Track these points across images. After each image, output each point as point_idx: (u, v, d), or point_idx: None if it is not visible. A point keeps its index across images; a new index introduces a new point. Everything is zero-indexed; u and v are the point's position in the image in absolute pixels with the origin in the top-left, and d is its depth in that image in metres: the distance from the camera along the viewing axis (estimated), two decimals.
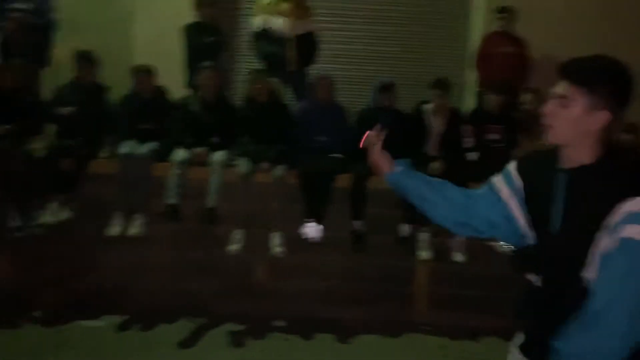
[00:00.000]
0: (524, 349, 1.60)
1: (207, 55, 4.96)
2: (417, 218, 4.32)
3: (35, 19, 5.06)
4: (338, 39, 6.12)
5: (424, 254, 4.29)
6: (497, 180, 1.67)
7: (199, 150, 4.37)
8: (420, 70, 6.04)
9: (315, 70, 5.35)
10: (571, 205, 1.44)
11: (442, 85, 4.61)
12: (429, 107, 4.67)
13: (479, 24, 6.03)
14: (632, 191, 1.33)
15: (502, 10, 5.47)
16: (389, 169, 1.83)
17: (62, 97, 4.56)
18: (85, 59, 4.59)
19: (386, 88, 4.52)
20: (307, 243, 4.23)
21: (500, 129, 4.69)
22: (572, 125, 1.42)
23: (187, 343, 3.77)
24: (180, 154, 4.33)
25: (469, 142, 4.72)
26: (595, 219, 1.36)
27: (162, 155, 4.45)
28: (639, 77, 1.43)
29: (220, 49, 5.34)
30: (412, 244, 4.39)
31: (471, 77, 5.91)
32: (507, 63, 5.40)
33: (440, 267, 4.33)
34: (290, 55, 4.98)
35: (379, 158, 1.84)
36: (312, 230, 4.10)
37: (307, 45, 5.09)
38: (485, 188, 1.70)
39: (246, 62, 6.02)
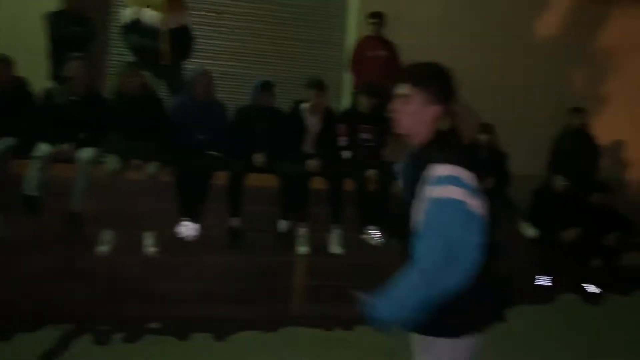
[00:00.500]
0: None
1: (73, 46, 4.68)
2: (295, 214, 4.44)
3: None
4: (215, 34, 6.07)
5: (303, 249, 4.40)
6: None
7: (64, 146, 4.09)
8: (298, 69, 6.17)
9: (190, 65, 5.26)
10: (409, 179, 1.84)
11: (317, 85, 4.75)
12: (305, 106, 4.79)
13: (355, 27, 6.28)
14: (434, 161, 1.71)
15: (373, 15, 5.76)
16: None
17: None
18: None
19: (266, 87, 4.56)
20: (182, 242, 4.14)
21: (371, 129, 4.94)
22: (413, 117, 1.82)
23: (50, 354, 3.51)
24: (42, 148, 4.02)
25: (343, 141, 4.93)
26: (417, 186, 1.75)
27: (21, 151, 4.12)
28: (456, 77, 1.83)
29: (88, 39, 5.05)
30: (290, 240, 4.48)
31: (347, 79, 6.16)
32: (378, 66, 5.69)
33: (318, 261, 4.46)
34: (163, 49, 4.85)
35: None
36: (187, 229, 4.02)
37: (180, 39, 4.98)
38: None
39: (117, 55, 5.75)
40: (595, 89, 7.01)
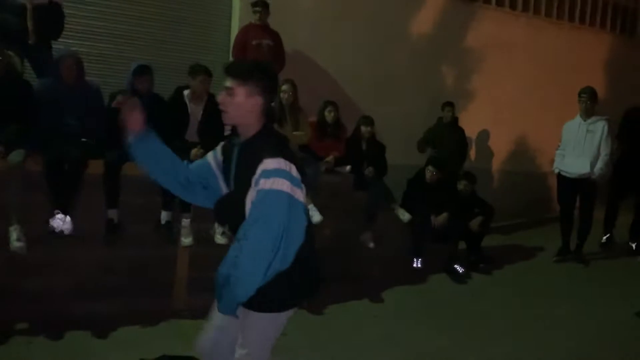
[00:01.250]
0: None
1: None
2: (179, 204, 4.32)
3: None
4: (91, 14, 5.66)
5: (186, 240, 4.31)
6: (209, 155, 2.25)
7: None
8: (181, 54, 5.96)
9: (61, 45, 4.89)
10: (238, 168, 2.02)
11: (201, 71, 4.63)
12: (187, 92, 4.67)
13: (239, 13, 6.21)
14: (265, 155, 1.89)
15: (257, 4, 5.74)
16: (138, 130, 2.12)
17: None
18: None
19: (142, 71, 4.35)
20: (53, 236, 3.87)
21: None
22: (237, 108, 1.97)
23: None
24: None
25: (227, 129, 4.87)
26: (248, 176, 1.92)
27: None
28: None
29: None
30: (173, 231, 4.37)
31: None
32: (262, 54, 5.69)
33: (202, 252, 4.38)
34: (28, 26, 4.46)
35: (133, 116, 2.11)
36: (60, 222, 3.75)
37: (48, 17, 4.61)
38: (200, 160, 2.29)
39: None
40: (464, 85, 7.61)
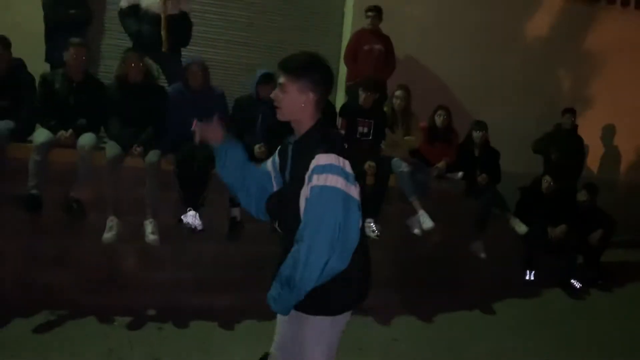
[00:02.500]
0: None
1: (69, 29, 4.61)
2: None
3: None
4: (214, 23, 6.03)
5: None
6: (267, 162, 2.22)
7: (63, 132, 4.04)
8: None
9: (189, 53, 5.23)
10: (293, 166, 1.97)
11: None
12: None
13: (352, 19, 6.31)
14: (317, 150, 1.84)
15: (371, 9, 5.80)
16: (220, 140, 2.15)
17: None
18: None
19: (266, 79, 4.55)
20: (182, 231, 4.14)
21: (369, 123, 5.00)
22: (290, 105, 1.94)
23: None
24: (42, 135, 3.97)
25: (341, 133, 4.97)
26: (302, 173, 1.86)
27: (19, 135, 4.07)
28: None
29: (84, 23, 4.96)
30: None
31: (342, 70, 6.19)
32: (374, 60, 5.75)
33: None
34: (162, 35, 4.80)
35: (212, 133, 2.14)
36: (192, 218, 4.02)
37: (179, 26, 4.94)
38: (260, 167, 2.24)
39: (112, 39, 5.68)
40: (583, 91, 7.19)
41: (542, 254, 5.33)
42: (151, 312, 4.05)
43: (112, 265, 4.15)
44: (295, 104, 1.92)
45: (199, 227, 4.04)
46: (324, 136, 1.91)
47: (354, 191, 1.86)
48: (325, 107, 2.01)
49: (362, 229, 1.93)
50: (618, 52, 7.18)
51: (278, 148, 2.15)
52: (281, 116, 1.97)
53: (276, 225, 2.07)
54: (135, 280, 4.17)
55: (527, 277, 5.30)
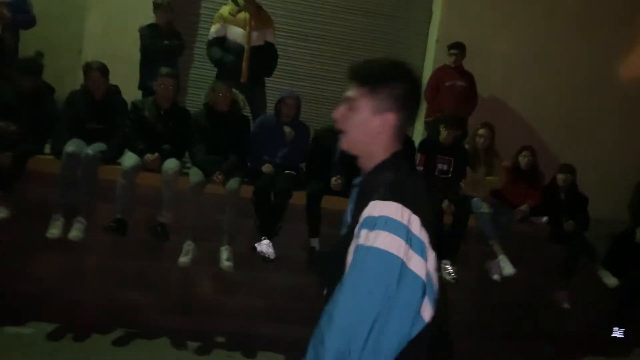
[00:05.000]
0: None
1: (162, 59, 4.85)
2: None
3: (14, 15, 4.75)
4: (298, 56, 6.16)
5: None
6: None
7: (150, 156, 4.21)
8: None
9: (272, 84, 5.34)
10: (352, 214, 1.39)
11: None
12: None
13: (434, 56, 6.26)
14: (374, 195, 1.28)
15: (454, 45, 5.73)
16: None
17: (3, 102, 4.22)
18: (26, 68, 4.31)
19: None
20: (255, 259, 4.16)
21: (449, 160, 4.87)
22: (360, 128, 1.39)
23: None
24: (130, 160, 4.15)
25: (418, 169, 4.87)
26: (355, 224, 1.31)
27: (110, 157, 4.27)
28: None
29: (177, 53, 5.21)
30: None
31: (423, 107, 6.11)
32: (455, 96, 5.64)
33: None
34: (243, 65, 4.92)
35: None
36: (265, 247, 4.03)
37: (262, 56, 5.06)
38: None
39: (203, 69, 5.92)
40: None
41: (634, 309, 4.90)
42: (220, 338, 4.07)
43: (187, 289, 4.22)
44: (367, 127, 1.38)
45: (272, 256, 4.04)
46: (391, 174, 1.33)
47: (418, 263, 1.23)
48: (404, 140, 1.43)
49: (430, 320, 1.28)
50: None
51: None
52: (346, 144, 1.43)
53: (324, 293, 1.44)
54: (207, 305, 4.22)
55: (616, 334, 4.88)
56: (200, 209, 4.11)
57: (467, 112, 5.71)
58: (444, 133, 4.85)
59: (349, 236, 1.32)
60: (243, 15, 4.99)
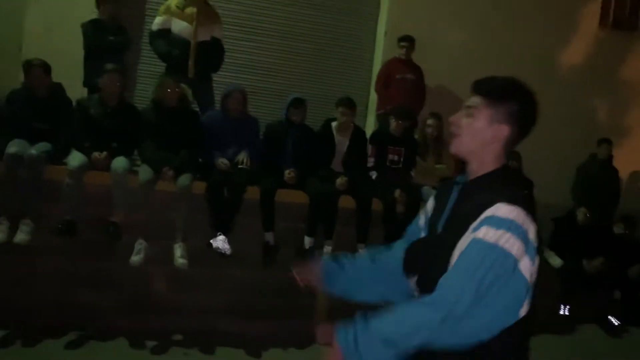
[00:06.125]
0: None
1: (108, 55, 4.73)
2: (324, 231, 4.45)
3: None
4: (246, 49, 6.12)
5: None
6: (417, 220, 1.74)
7: (98, 155, 4.11)
8: (327, 87, 6.24)
9: (221, 79, 5.30)
10: (455, 210, 1.52)
11: (347, 103, 4.79)
12: (335, 124, 4.83)
13: (382, 48, 6.35)
14: (499, 198, 1.39)
15: (404, 38, 5.83)
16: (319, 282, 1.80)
17: None
18: None
19: (297, 103, 4.59)
20: (211, 255, 4.14)
21: (400, 150, 4.97)
22: (475, 135, 1.52)
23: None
24: (77, 158, 4.05)
25: (370, 161, 4.96)
26: (466, 220, 1.42)
27: (55, 157, 4.15)
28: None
29: (122, 48, 5.10)
30: (314, 257, 4.48)
31: (374, 99, 6.21)
32: (405, 89, 5.74)
33: None
34: (190, 61, 4.85)
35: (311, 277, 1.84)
36: (221, 243, 4.02)
37: (209, 52, 5.01)
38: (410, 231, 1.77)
39: (149, 64, 5.82)
40: (619, 121, 7.04)
41: (577, 288, 5.16)
42: (177, 336, 4.04)
43: (141, 288, 4.16)
44: (482, 134, 1.50)
45: (228, 252, 4.04)
46: (510, 183, 1.48)
47: (527, 267, 1.36)
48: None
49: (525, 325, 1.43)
50: None
51: (433, 195, 1.72)
52: (456, 147, 1.56)
53: (413, 282, 1.57)
54: (163, 303, 4.17)
55: (562, 312, 5.12)
56: (151, 207, 4.06)
57: (416, 105, 5.80)
58: (393, 124, 4.95)
59: (458, 229, 1.42)
60: (190, 9, 4.92)
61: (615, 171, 6.21)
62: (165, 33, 4.93)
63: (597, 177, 5.91)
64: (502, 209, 1.36)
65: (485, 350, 1.38)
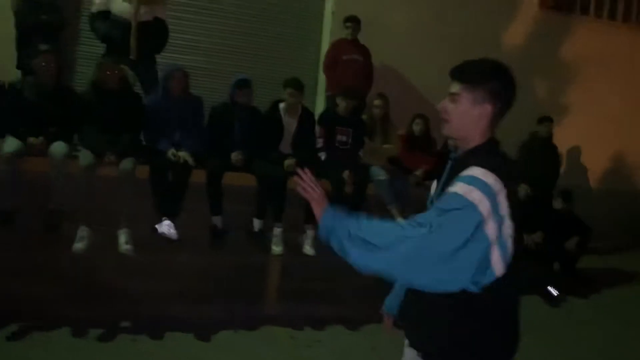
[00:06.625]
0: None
1: (42, 36, 4.53)
2: (273, 214, 4.44)
3: None
4: (191, 29, 5.98)
5: (277, 249, 4.40)
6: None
7: (34, 140, 3.94)
8: (275, 68, 6.17)
9: (164, 60, 5.16)
10: (446, 183, 1.63)
11: (295, 84, 4.75)
12: (283, 105, 4.79)
13: (329, 29, 6.32)
14: (476, 163, 1.53)
15: (349, 19, 5.82)
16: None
17: None
18: None
19: (243, 84, 4.52)
20: (158, 241, 4.08)
21: (348, 131, 5.00)
22: (462, 117, 1.65)
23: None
24: (12, 144, 3.87)
25: (319, 142, 4.96)
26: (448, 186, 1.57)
27: None
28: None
29: (58, 29, 4.88)
30: (264, 240, 4.48)
31: (322, 79, 6.19)
32: (353, 70, 5.75)
33: (291, 261, 4.47)
34: (131, 42, 4.71)
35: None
36: (167, 228, 3.95)
37: (152, 32, 4.86)
38: None
39: (88, 46, 5.60)
40: (558, 99, 7.30)
41: (519, 261, 5.35)
42: (125, 323, 3.97)
43: (85, 276, 4.06)
44: (468, 117, 1.64)
45: (174, 237, 3.97)
46: (491, 155, 1.60)
47: (492, 229, 1.47)
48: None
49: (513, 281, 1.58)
50: (592, 61, 7.31)
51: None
52: (447, 130, 1.70)
53: None
54: (109, 291, 4.08)
55: None
56: (93, 193, 3.94)
57: (364, 86, 5.83)
58: (342, 104, 4.96)
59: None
60: None
61: (555, 148, 6.45)
62: (105, 14, 4.76)
63: (538, 155, 6.10)
64: (475, 170, 1.51)
65: (468, 303, 1.55)
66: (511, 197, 1.52)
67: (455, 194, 1.50)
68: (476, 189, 1.47)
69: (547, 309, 5.16)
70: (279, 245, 4.42)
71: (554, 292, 5.31)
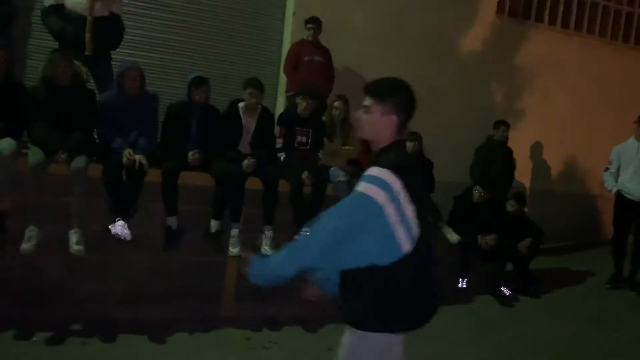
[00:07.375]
0: None
1: None
2: (230, 214, 4.39)
3: None
4: (148, 26, 5.86)
5: (234, 250, 4.36)
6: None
7: None
8: (235, 67, 6.12)
9: (119, 56, 5.05)
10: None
11: (255, 84, 4.71)
12: (242, 105, 4.76)
13: (291, 29, 6.31)
14: (376, 164, 1.90)
15: (311, 20, 5.83)
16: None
17: None
18: None
19: (199, 82, 4.46)
20: (111, 241, 3.97)
21: (307, 132, 5.00)
22: (372, 126, 2.02)
23: None
24: None
25: (278, 142, 4.95)
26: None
27: None
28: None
29: (7, 21, 4.69)
30: (221, 240, 4.42)
31: (283, 79, 6.17)
32: (314, 71, 5.75)
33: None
34: (87, 37, 4.59)
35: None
36: (120, 228, 3.86)
37: (108, 28, 4.74)
38: None
39: (42, 39, 5.41)
40: (513, 104, 7.50)
41: (474, 262, 5.48)
42: (75, 326, 3.86)
43: (33, 277, 3.92)
44: (378, 125, 2.00)
45: (128, 238, 3.88)
46: (391, 153, 1.96)
47: (392, 212, 1.84)
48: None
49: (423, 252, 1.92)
50: (546, 67, 7.55)
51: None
52: (361, 135, 2.08)
53: None
54: (59, 292, 3.96)
55: (460, 285, 5.43)
56: (43, 192, 3.81)
57: (325, 87, 5.83)
58: (302, 104, 4.94)
59: None
60: None
61: (510, 152, 6.62)
62: (58, 9, 4.62)
63: (493, 158, 6.25)
64: (373, 170, 1.88)
65: (378, 276, 1.88)
66: (409, 185, 1.87)
67: (356, 191, 1.87)
68: (373, 185, 1.84)
69: (499, 308, 5.29)
70: (236, 246, 4.38)
71: (507, 292, 5.45)
